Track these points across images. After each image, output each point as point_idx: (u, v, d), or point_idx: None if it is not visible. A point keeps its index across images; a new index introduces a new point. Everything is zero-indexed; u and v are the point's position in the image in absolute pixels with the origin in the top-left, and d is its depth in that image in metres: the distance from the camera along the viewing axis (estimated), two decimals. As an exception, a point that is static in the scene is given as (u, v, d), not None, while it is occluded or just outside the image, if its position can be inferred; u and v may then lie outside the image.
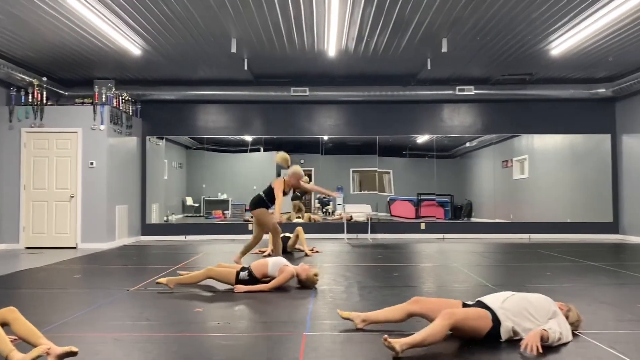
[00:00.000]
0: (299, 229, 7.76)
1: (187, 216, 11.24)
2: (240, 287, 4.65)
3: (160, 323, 3.55)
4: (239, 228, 10.62)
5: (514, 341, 2.99)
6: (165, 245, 9.09)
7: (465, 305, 3.19)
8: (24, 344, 2.70)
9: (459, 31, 7.16)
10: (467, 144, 11.38)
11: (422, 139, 11.07)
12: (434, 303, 3.21)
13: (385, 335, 2.75)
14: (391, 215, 11.39)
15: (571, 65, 8.88)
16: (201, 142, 11.04)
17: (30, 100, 8.78)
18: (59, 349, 2.61)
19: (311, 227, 10.30)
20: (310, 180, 10.99)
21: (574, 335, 3.14)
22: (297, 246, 7.87)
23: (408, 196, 11.31)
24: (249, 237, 10.26)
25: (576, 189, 10.62)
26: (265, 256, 7.06)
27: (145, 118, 10.50)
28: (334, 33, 7.11)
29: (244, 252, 6.52)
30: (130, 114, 9.84)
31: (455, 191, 11.28)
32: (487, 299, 3.16)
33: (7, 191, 8.78)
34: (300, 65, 8.98)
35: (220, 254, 7.62)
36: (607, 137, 10.54)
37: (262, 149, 11.16)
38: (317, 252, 7.88)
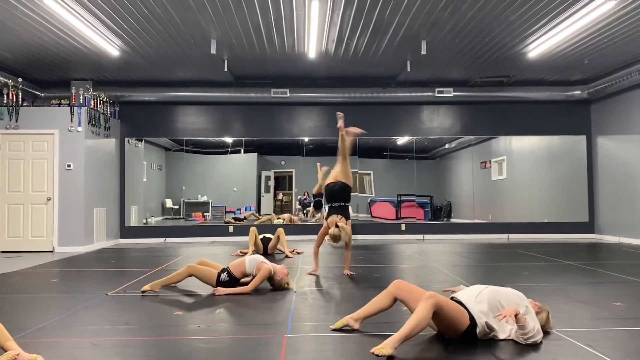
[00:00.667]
0: (280, 230, 7.75)
1: (166, 218, 11.14)
2: (221, 290, 4.64)
3: (139, 327, 3.51)
4: (220, 230, 10.56)
5: (504, 341, 3.04)
6: (145, 248, 8.99)
7: None
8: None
9: (438, 33, 7.23)
10: (447, 145, 11.49)
11: (402, 140, 11.14)
12: (413, 291, 3.22)
13: (372, 350, 2.71)
14: (372, 217, 11.45)
15: (548, 68, 9.03)
16: (181, 143, 10.96)
17: (5, 101, 8.60)
18: (28, 356, 2.57)
19: (292, 229, 10.29)
20: (292, 181, 11.02)
21: (547, 333, 3.19)
22: (278, 247, 7.86)
23: (388, 197, 11.37)
24: (230, 239, 10.29)
25: (553, 190, 10.80)
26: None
27: (124, 119, 10.38)
28: (314, 35, 7.12)
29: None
30: (109, 115, 9.72)
31: (435, 192, 11.38)
32: (461, 296, 3.19)
33: (-19, 194, 8.60)
34: (280, 67, 8.97)
35: (200, 257, 7.54)
36: (582, 139, 10.74)
37: (242, 150, 11.12)
38: (297, 253, 7.87)
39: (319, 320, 3.67)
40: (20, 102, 8.70)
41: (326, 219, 5.84)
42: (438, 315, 2.92)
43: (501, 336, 3.09)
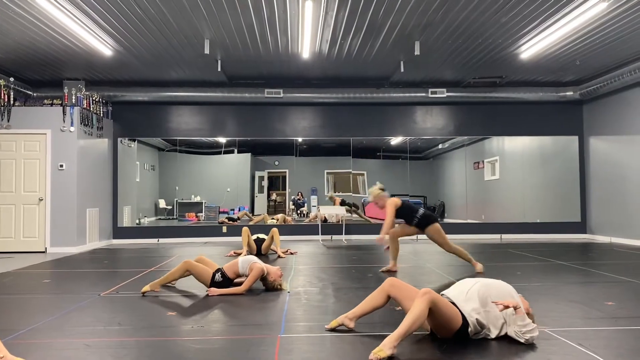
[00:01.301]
0: (274, 230, 7.74)
1: (160, 219, 11.11)
2: (214, 290, 4.64)
3: (132, 327, 3.50)
4: (213, 230, 10.54)
5: (496, 340, 3.05)
6: (138, 249, 8.96)
7: None
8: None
9: (431, 34, 7.26)
10: (440, 146, 11.53)
11: (395, 140, 11.17)
12: (407, 289, 3.23)
13: (370, 357, 2.68)
14: (366, 216, 11.45)
15: (540, 69, 9.08)
16: (174, 144, 10.93)
17: (-4, 101, 8.56)
18: (13, 358, 2.56)
19: (285, 229, 10.30)
20: (286, 181, 11.03)
21: (544, 333, 3.21)
22: (272, 247, 7.86)
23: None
24: (223, 239, 10.27)
25: (545, 190, 10.86)
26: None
27: (117, 119, 10.34)
28: (308, 35, 7.12)
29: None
30: (101, 115, 9.68)
31: (428, 192, 11.41)
32: (450, 294, 3.20)
33: (-27, 194, 8.54)
34: (274, 67, 8.97)
35: (194, 257, 7.53)
36: (574, 139, 10.81)
37: (236, 150, 11.11)
38: (291, 253, 7.87)
39: (312, 320, 3.67)
40: (12, 102, 8.65)
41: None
42: (433, 312, 2.91)
43: (493, 334, 3.10)
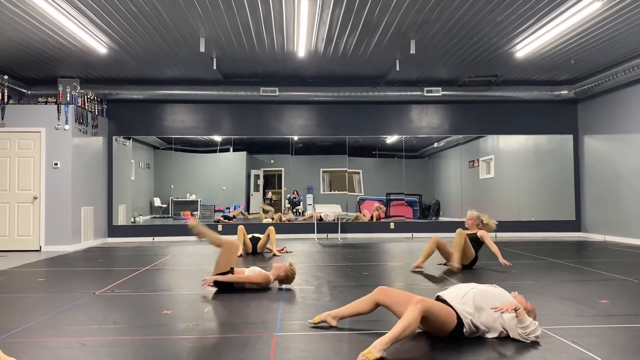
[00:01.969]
0: (271, 228, 7.72)
1: (155, 217, 11.08)
2: (209, 279, 4.60)
3: (127, 326, 3.50)
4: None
5: (492, 339, 3.06)
6: (133, 247, 8.94)
7: None
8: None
9: (426, 33, 7.26)
10: (435, 145, 11.54)
11: (391, 139, 11.18)
12: (398, 296, 3.22)
13: (359, 357, 2.66)
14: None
15: (535, 68, 9.11)
16: (169, 142, 10.90)
17: (-10, 99, 8.52)
18: (5, 358, 2.55)
19: (281, 228, 10.29)
20: (280, 180, 11.04)
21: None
22: (267, 246, 7.85)
23: (377, 196, 11.40)
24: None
25: (540, 189, 10.89)
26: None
27: (112, 118, 10.31)
28: (304, 34, 7.12)
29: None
30: (96, 113, 9.64)
31: (424, 191, 11.43)
32: (446, 295, 3.21)
33: (-33, 193, 8.50)
34: (269, 66, 8.96)
35: (189, 255, 7.54)
36: (569, 138, 10.85)
37: (231, 149, 11.09)
38: (287, 252, 7.87)
39: (308, 318, 3.67)
40: (6, 100, 8.61)
41: None
42: (427, 319, 2.93)
43: (491, 336, 3.10)
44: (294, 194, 11.30)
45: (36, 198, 8.61)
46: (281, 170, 11.36)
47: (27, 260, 7.27)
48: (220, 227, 10.49)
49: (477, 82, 10.00)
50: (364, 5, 6.21)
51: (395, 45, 7.80)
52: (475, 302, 3.09)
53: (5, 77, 8.56)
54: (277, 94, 9.87)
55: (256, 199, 11.36)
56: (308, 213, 11.00)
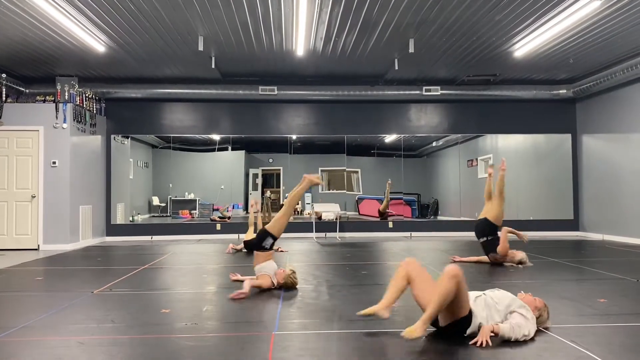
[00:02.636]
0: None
1: (153, 216, 11.08)
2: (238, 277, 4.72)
3: (125, 325, 3.49)
4: (207, 228, 10.53)
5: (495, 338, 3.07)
6: (131, 246, 8.93)
7: None
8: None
9: (425, 32, 7.26)
10: (434, 144, 11.55)
11: (389, 138, 11.18)
12: (421, 271, 3.31)
13: (402, 334, 2.88)
14: (359, 214, 11.48)
15: (534, 67, 9.11)
16: (168, 141, 10.89)
17: (-12, 97, 8.50)
18: None
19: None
20: (279, 179, 11.02)
21: (537, 330, 3.22)
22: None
23: (376, 195, 11.41)
24: (217, 236, 10.26)
25: (538, 188, 10.91)
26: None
27: (110, 116, 10.29)
28: (302, 33, 7.11)
29: None
30: (94, 112, 9.63)
31: (422, 190, 11.43)
32: None
33: (-36, 191, 8.48)
34: (268, 64, 8.95)
35: (187, 254, 7.54)
36: (567, 137, 10.86)
37: (230, 148, 11.09)
38: (281, 251, 7.83)
39: (306, 317, 3.67)
40: (4, 99, 8.59)
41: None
42: (454, 295, 2.96)
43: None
44: (292, 193, 11.29)
45: (34, 197, 8.60)
46: (280, 170, 11.36)
47: (25, 259, 7.26)
48: (218, 226, 10.49)
49: (476, 81, 10.00)
50: (363, 3, 6.20)
51: (394, 44, 7.80)
52: (486, 304, 3.11)
53: (4, 75, 8.54)
54: (276, 93, 9.87)
55: (255, 198, 11.35)
56: (306, 212, 11.00)
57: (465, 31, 7.23)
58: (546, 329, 3.26)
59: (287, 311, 3.88)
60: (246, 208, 11.22)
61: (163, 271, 5.95)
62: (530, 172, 10.97)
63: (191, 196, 11.12)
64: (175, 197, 11.07)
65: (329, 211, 10.64)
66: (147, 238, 10.27)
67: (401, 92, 10.13)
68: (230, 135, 10.83)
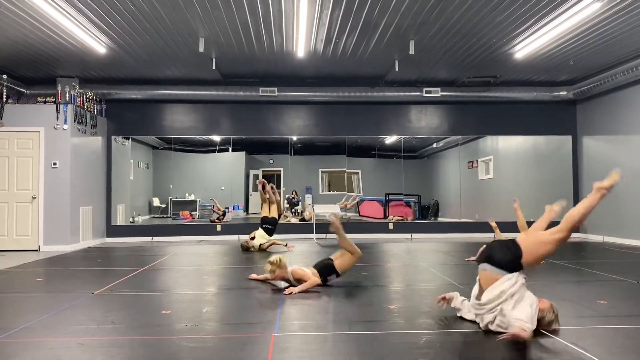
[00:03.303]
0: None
1: (153, 217, 11.08)
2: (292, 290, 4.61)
3: (125, 326, 3.49)
4: (207, 229, 10.52)
5: (489, 338, 3.06)
6: (132, 247, 8.93)
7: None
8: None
9: (426, 34, 7.27)
10: (434, 145, 11.55)
11: (390, 139, 11.18)
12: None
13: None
14: (360, 215, 11.49)
15: (534, 69, 9.11)
16: (168, 142, 10.90)
17: (-11, 98, 8.51)
18: None
19: (280, 228, 10.25)
20: (279, 180, 11.04)
21: (539, 333, 3.21)
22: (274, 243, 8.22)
23: (376, 196, 11.41)
24: (217, 238, 10.26)
25: (539, 189, 10.90)
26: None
27: (111, 117, 10.30)
28: (303, 34, 7.12)
29: None
30: (95, 113, 9.64)
31: (423, 191, 11.43)
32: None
33: (-35, 192, 8.49)
34: (269, 66, 8.96)
35: (188, 255, 7.54)
36: (568, 139, 10.85)
37: (230, 149, 11.09)
38: (289, 249, 8.00)
39: (306, 319, 3.67)
40: (5, 100, 8.60)
41: None
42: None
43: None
44: (292, 194, 11.30)
45: (35, 198, 8.61)
46: (280, 171, 11.36)
47: (25, 260, 7.26)
48: (218, 228, 10.49)
49: (476, 82, 10.00)
50: (363, 5, 6.21)
51: (394, 45, 7.80)
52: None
53: (4, 76, 8.55)
54: (276, 94, 9.87)
55: (255, 199, 11.35)
56: (306, 213, 10.99)
57: (466, 33, 7.23)
58: (552, 332, 3.24)
59: (287, 312, 3.88)
60: (247, 209, 11.23)
61: (163, 272, 5.95)
62: (531, 174, 10.96)
63: (192, 197, 11.13)
64: (176, 198, 11.08)
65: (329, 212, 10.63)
66: (148, 239, 10.28)
67: (401, 94, 10.13)
68: (231, 136, 10.83)
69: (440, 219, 11.33)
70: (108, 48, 7.74)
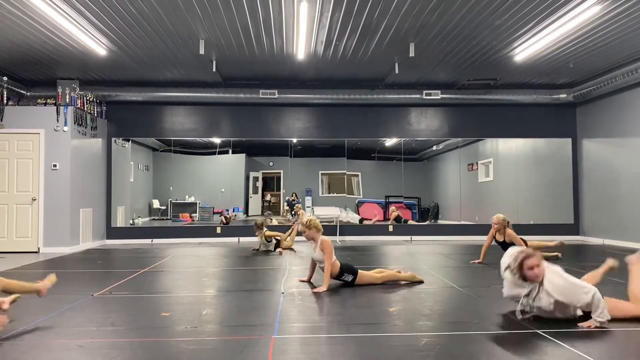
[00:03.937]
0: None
1: (153, 219, 11.08)
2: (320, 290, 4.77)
3: (125, 328, 3.49)
4: (207, 231, 10.52)
5: (494, 339, 3.06)
6: (131, 249, 8.93)
7: None
8: None
9: (426, 36, 7.28)
10: (434, 147, 11.56)
11: (390, 142, 11.19)
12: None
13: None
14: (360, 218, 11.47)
15: (534, 71, 9.12)
16: (168, 144, 10.90)
17: (-11, 100, 8.51)
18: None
19: (280, 229, 10.26)
20: (279, 182, 11.03)
21: (537, 335, 3.21)
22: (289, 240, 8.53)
23: (376, 199, 11.41)
24: (218, 240, 10.25)
25: (539, 192, 10.91)
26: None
27: (111, 119, 10.31)
28: (303, 36, 7.13)
29: None
30: (95, 115, 9.64)
31: (423, 193, 11.44)
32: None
33: (-35, 194, 8.49)
34: (269, 68, 8.96)
35: (188, 258, 7.53)
36: (568, 141, 10.86)
37: (230, 151, 11.10)
38: (280, 252, 7.96)
39: (306, 321, 3.67)
40: (5, 101, 8.61)
41: None
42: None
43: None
44: (292, 196, 11.31)
45: (35, 199, 8.61)
46: (280, 173, 11.37)
47: (25, 261, 7.26)
48: (218, 230, 10.49)
49: (476, 85, 10.01)
50: (364, 8, 6.22)
51: (394, 48, 7.81)
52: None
53: (5, 78, 8.56)
54: (277, 96, 9.88)
55: (255, 201, 11.36)
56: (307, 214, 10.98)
57: (466, 35, 7.24)
58: (552, 334, 3.25)
59: (287, 314, 3.87)
60: (246, 211, 11.24)
61: (163, 274, 5.95)
62: (531, 176, 10.97)
63: (191, 199, 11.13)
64: (176, 200, 11.08)
65: (329, 214, 10.64)
66: (148, 241, 10.27)
67: (401, 96, 10.14)
68: (231, 139, 10.84)
69: (440, 221, 11.33)
70: (108, 50, 7.75)
